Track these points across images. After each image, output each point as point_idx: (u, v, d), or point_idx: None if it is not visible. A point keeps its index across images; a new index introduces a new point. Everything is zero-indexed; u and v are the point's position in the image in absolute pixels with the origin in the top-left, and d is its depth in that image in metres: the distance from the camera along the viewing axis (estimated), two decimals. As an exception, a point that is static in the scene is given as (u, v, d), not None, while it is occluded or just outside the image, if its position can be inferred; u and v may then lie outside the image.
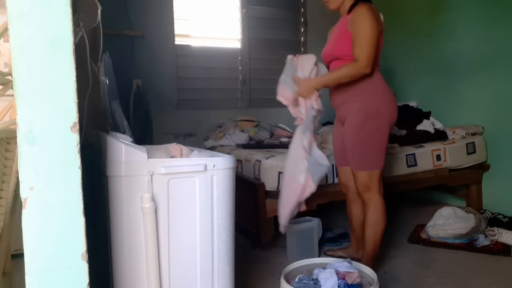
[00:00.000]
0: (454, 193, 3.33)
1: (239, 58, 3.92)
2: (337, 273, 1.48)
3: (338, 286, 1.42)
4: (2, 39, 1.65)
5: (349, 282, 1.46)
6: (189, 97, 3.74)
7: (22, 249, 0.88)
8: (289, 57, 2.04)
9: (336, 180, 2.58)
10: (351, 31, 1.85)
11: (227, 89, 3.95)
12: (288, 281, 1.46)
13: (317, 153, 1.92)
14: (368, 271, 1.57)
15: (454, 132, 3.12)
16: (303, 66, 1.95)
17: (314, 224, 2.27)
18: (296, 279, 1.49)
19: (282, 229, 2.05)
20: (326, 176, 2.54)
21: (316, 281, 1.47)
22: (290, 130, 3.32)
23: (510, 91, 2.95)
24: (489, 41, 3.09)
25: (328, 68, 2.04)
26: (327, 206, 2.71)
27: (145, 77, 3.42)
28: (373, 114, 1.88)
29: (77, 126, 0.91)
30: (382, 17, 1.90)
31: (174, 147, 1.52)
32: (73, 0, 0.91)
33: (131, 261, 1.32)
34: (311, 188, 1.91)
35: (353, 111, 1.92)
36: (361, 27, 1.80)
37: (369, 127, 1.89)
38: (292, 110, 1.98)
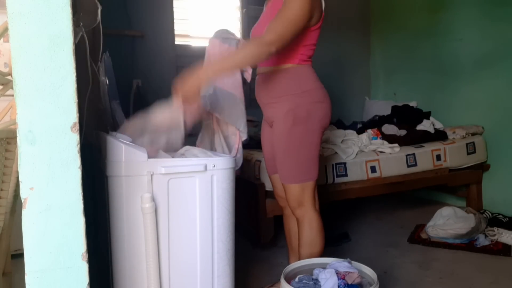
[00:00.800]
0: (454, 193, 3.33)
1: (239, 58, 3.92)
2: (337, 273, 1.48)
3: (338, 286, 1.42)
4: (2, 39, 1.65)
5: (349, 282, 1.46)
6: (189, 97, 3.73)
7: (22, 249, 0.88)
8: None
9: (336, 180, 2.58)
10: (279, 9, 1.50)
11: (227, 89, 3.94)
12: (288, 281, 1.46)
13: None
14: (368, 271, 1.57)
15: (454, 132, 3.13)
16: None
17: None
18: (296, 279, 1.49)
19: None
20: (326, 176, 2.55)
21: (316, 281, 1.47)
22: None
23: (510, 91, 2.95)
24: (489, 41, 3.09)
25: None
26: (327, 206, 2.71)
27: (145, 77, 3.42)
28: (303, 119, 1.58)
29: (77, 126, 0.91)
30: (323, 5, 1.64)
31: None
32: (73, 0, 0.91)
33: (131, 261, 1.32)
34: None
35: (281, 114, 1.61)
36: (289, 5, 1.45)
37: (299, 133, 1.59)
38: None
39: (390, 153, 2.79)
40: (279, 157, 1.65)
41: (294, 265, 1.62)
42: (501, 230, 2.49)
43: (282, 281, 1.44)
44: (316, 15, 1.56)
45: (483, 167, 3.15)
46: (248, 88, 3.98)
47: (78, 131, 0.91)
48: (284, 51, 1.54)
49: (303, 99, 1.59)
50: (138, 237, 1.31)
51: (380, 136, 2.89)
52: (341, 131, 2.87)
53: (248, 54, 1.47)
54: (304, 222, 1.68)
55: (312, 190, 1.67)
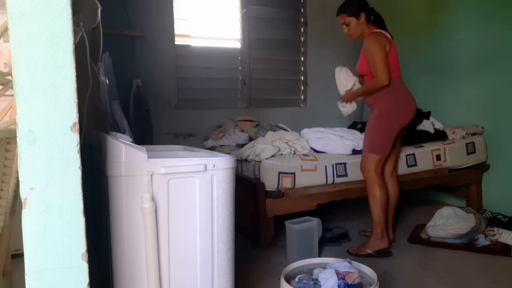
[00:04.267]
0: (454, 193, 3.33)
1: (239, 58, 3.92)
2: (337, 273, 1.48)
3: (338, 286, 1.42)
4: (2, 39, 1.65)
5: (349, 282, 1.46)
6: (189, 97, 3.74)
7: (22, 249, 0.88)
8: (337, 68, 2.67)
9: (336, 180, 2.58)
10: (365, 56, 2.38)
11: (227, 89, 3.95)
12: (288, 281, 1.46)
13: None
14: (368, 271, 1.57)
15: (454, 132, 3.12)
16: (345, 81, 2.59)
17: (314, 224, 2.27)
18: (296, 279, 1.49)
19: None
20: (326, 176, 2.55)
21: (316, 281, 1.47)
22: (290, 130, 3.32)
23: (510, 91, 2.96)
24: (488, 41, 3.09)
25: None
26: (327, 206, 2.71)
27: (145, 77, 3.42)
28: (385, 113, 2.33)
29: (77, 126, 0.91)
30: (388, 35, 2.40)
31: None
32: (73, 0, 0.91)
33: (131, 261, 1.32)
34: None
35: (375, 108, 2.39)
36: (369, 54, 2.32)
37: (379, 121, 2.35)
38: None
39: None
40: (365, 133, 2.46)
41: (294, 265, 1.62)
42: (501, 230, 2.49)
43: (282, 281, 1.44)
44: (387, 46, 2.35)
45: (483, 167, 3.15)
46: (249, 89, 3.99)
47: (78, 131, 0.91)
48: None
49: (387, 100, 2.35)
50: (138, 237, 1.31)
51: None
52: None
53: (371, 88, 2.37)
54: (367, 183, 2.39)
55: (377, 160, 2.37)
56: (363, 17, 2.36)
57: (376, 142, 2.35)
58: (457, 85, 3.35)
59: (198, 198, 1.39)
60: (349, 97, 2.54)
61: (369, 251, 2.32)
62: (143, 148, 1.33)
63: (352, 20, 2.35)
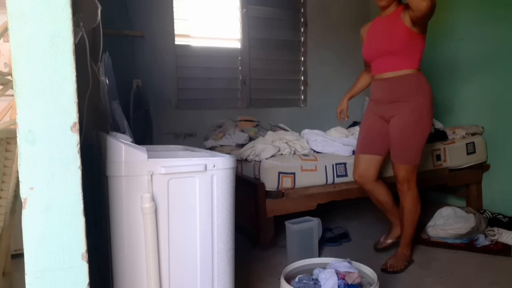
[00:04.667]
0: (454, 193, 3.33)
1: (239, 58, 3.92)
2: (337, 273, 1.48)
3: (338, 286, 1.42)
4: (2, 39, 1.65)
5: (349, 282, 1.46)
6: (189, 97, 3.74)
7: (22, 249, 0.88)
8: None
9: (336, 180, 2.58)
10: (407, 21, 1.98)
11: (227, 89, 3.95)
12: (288, 281, 1.46)
13: None
14: (368, 271, 1.57)
15: (454, 132, 3.12)
16: None
17: (314, 224, 2.27)
18: (296, 279, 1.49)
19: None
20: (326, 176, 2.55)
21: (316, 281, 1.47)
22: (290, 130, 3.32)
23: (510, 91, 2.95)
24: (489, 41, 3.09)
25: (369, 65, 2.24)
26: (327, 206, 2.71)
27: (145, 77, 3.42)
28: (426, 114, 2.04)
29: (77, 126, 0.91)
30: None
31: None
32: (73, 0, 0.91)
33: (131, 261, 1.32)
34: None
35: (408, 109, 2.03)
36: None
37: (421, 126, 2.05)
38: None
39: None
40: (401, 142, 2.08)
41: (294, 265, 1.62)
42: (501, 230, 2.49)
43: (282, 281, 1.44)
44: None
45: (483, 167, 3.15)
46: (249, 89, 3.99)
47: (78, 131, 0.91)
48: (406, 58, 2.06)
49: (425, 99, 2.04)
50: (138, 237, 1.31)
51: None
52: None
53: None
54: (409, 195, 2.16)
55: (416, 171, 2.15)
56: None
57: (420, 149, 2.09)
58: (457, 85, 3.35)
59: (198, 198, 1.39)
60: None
61: (406, 264, 2.18)
62: (143, 148, 1.33)
63: None
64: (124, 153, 1.28)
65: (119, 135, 1.53)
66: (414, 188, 2.16)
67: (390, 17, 2.10)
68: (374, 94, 2.20)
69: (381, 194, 2.30)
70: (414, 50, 2.07)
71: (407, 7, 1.93)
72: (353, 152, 2.70)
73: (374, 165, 2.23)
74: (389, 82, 2.09)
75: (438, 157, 2.97)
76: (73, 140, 0.91)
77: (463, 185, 3.19)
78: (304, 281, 1.48)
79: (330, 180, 2.56)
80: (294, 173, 2.44)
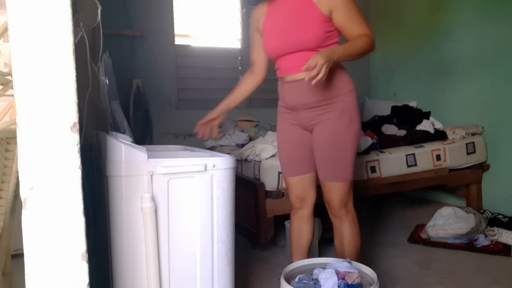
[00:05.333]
0: (454, 193, 3.33)
1: (239, 58, 3.92)
2: (337, 273, 1.48)
3: (338, 286, 1.42)
4: (2, 39, 1.65)
5: (349, 282, 1.46)
6: (189, 97, 3.74)
7: (22, 249, 0.88)
8: None
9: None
10: (325, 10, 1.52)
11: (227, 89, 3.91)
12: (288, 281, 1.46)
13: None
14: (368, 271, 1.57)
15: (454, 132, 3.13)
16: None
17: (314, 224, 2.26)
18: (296, 279, 1.49)
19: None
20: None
21: (316, 281, 1.47)
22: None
23: (510, 91, 2.95)
24: (488, 41, 3.09)
25: (262, 64, 1.82)
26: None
27: (145, 77, 3.42)
28: (356, 117, 1.64)
29: (77, 126, 0.91)
30: None
31: None
32: (73, 0, 0.91)
33: (131, 261, 1.32)
34: None
35: (334, 114, 1.61)
36: (353, 9, 1.55)
37: (354, 131, 1.64)
38: None
39: (390, 153, 2.79)
40: (333, 155, 1.65)
41: (294, 265, 1.62)
42: (501, 230, 2.49)
43: (282, 281, 1.44)
44: None
45: (483, 167, 3.15)
46: (248, 88, 3.98)
47: (78, 131, 0.91)
48: None
49: (352, 98, 1.64)
50: (138, 237, 1.31)
51: (375, 137, 2.87)
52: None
53: (365, 49, 1.57)
54: (348, 220, 1.74)
55: (352, 187, 1.74)
56: None
57: (354, 161, 1.67)
58: (457, 85, 3.35)
59: (198, 198, 1.39)
60: (327, 55, 1.40)
61: None
62: (143, 148, 1.33)
63: None
64: (124, 153, 1.28)
65: (119, 135, 1.53)
66: (353, 211, 1.75)
67: (296, 2, 1.59)
68: (287, 100, 1.69)
69: (311, 226, 1.87)
70: (333, 43, 1.61)
71: None
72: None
73: (311, 187, 1.80)
74: (306, 84, 1.49)
75: (438, 157, 2.97)
76: (73, 140, 0.91)
77: (463, 185, 3.19)
78: (304, 281, 1.47)
79: (330, 180, 2.56)
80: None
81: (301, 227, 1.87)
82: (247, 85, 1.93)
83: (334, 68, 1.56)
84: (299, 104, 1.66)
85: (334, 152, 1.64)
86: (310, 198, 1.82)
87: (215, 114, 1.93)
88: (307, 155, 1.75)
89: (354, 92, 1.66)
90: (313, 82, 1.37)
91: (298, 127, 1.74)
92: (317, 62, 1.35)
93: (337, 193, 1.69)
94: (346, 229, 1.75)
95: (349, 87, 1.64)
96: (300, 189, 1.80)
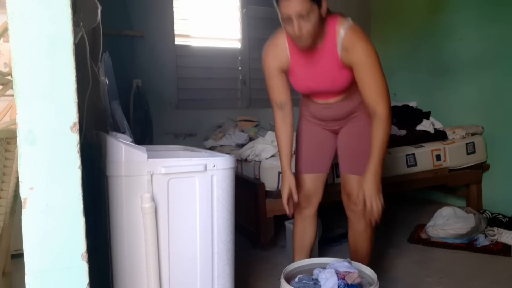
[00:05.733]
0: (454, 193, 3.33)
1: (239, 58, 3.92)
2: (337, 273, 1.48)
3: (338, 286, 1.42)
4: (2, 39, 1.65)
5: (349, 282, 1.46)
6: (189, 97, 3.74)
7: (22, 249, 0.88)
8: None
9: (336, 180, 2.58)
10: (347, 64, 1.53)
11: (227, 89, 3.95)
12: (288, 281, 1.46)
13: None
14: (368, 271, 1.57)
15: (454, 132, 3.13)
16: None
17: (314, 224, 2.27)
18: (296, 279, 1.49)
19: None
20: (333, 175, 2.55)
21: (316, 281, 1.47)
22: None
23: (510, 91, 2.95)
24: (488, 41, 3.09)
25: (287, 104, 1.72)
26: (327, 206, 2.71)
27: (145, 77, 3.42)
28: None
29: (77, 126, 0.91)
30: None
31: None
32: (73, 0, 0.91)
33: (131, 261, 1.32)
34: None
35: (362, 117, 1.71)
36: (373, 68, 1.49)
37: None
38: None
39: (390, 153, 2.79)
40: (358, 149, 1.70)
41: (294, 265, 1.62)
42: (501, 230, 2.49)
43: (282, 281, 1.44)
44: None
45: (483, 167, 3.15)
46: (249, 89, 3.99)
47: (78, 131, 0.91)
48: (350, 88, 1.64)
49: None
50: (138, 237, 1.31)
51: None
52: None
53: (386, 138, 1.53)
54: (365, 217, 1.72)
55: None
56: (325, 4, 1.46)
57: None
58: (457, 85, 3.35)
59: (198, 198, 1.39)
60: (376, 187, 1.52)
61: None
62: (143, 148, 1.33)
63: (314, 9, 1.41)
64: (124, 153, 1.28)
65: (119, 135, 1.53)
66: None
67: (323, 52, 1.57)
68: (317, 116, 1.78)
69: (313, 231, 1.90)
70: (354, 81, 1.61)
71: (343, 46, 1.52)
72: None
73: (321, 186, 1.86)
74: (337, 105, 1.70)
75: (438, 157, 2.97)
76: (73, 140, 0.91)
77: (463, 185, 3.19)
78: (304, 281, 1.47)
79: (330, 180, 2.56)
80: (294, 173, 2.44)
81: (305, 227, 1.90)
82: (289, 134, 1.76)
83: (354, 96, 1.66)
84: (330, 118, 1.76)
85: (360, 146, 1.68)
86: (317, 197, 1.86)
87: (291, 182, 1.73)
88: (328, 154, 1.83)
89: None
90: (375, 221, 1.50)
91: (321, 127, 1.82)
92: (372, 204, 1.49)
93: (357, 185, 1.70)
94: (362, 226, 1.80)
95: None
96: (312, 187, 1.84)
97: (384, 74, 1.54)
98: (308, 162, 1.85)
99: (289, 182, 1.71)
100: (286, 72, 1.67)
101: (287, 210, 1.75)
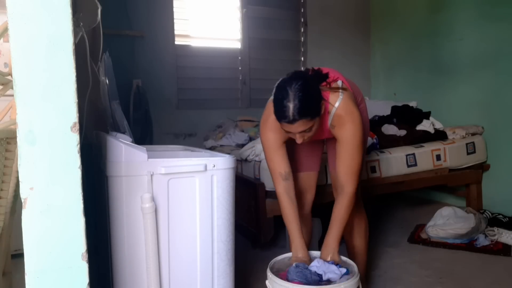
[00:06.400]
0: (454, 193, 3.33)
1: (239, 58, 3.92)
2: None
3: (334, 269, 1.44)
4: (2, 39, 1.65)
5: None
6: (189, 97, 3.74)
7: (22, 249, 0.88)
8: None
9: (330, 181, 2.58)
10: (335, 135, 1.58)
11: (227, 89, 3.95)
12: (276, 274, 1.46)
13: None
14: (350, 262, 1.57)
15: (454, 132, 3.13)
16: None
17: (314, 224, 2.27)
18: (294, 265, 1.50)
19: None
20: (326, 176, 2.55)
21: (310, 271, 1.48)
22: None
23: (510, 91, 2.95)
24: (489, 41, 3.09)
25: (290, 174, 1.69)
26: (327, 206, 2.71)
27: (145, 77, 3.42)
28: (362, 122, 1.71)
29: (77, 126, 0.91)
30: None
31: None
32: (73, 0, 0.91)
33: (131, 261, 1.32)
34: None
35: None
36: (354, 147, 1.55)
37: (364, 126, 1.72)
38: None
39: (390, 153, 2.79)
40: (353, 143, 1.66)
41: (280, 257, 1.65)
42: (501, 230, 2.49)
43: (270, 275, 1.44)
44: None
45: (483, 167, 3.15)
46: (249, 89, 3.99)
47: (78, 131, 0.91)
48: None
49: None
50: (138, 237, 1.31)
51: (375, 137, 2.87)
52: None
53: (347, 216, 1.60)
54: (358, 210, 1.84)
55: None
56: (323, 108, 1.49)
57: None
58: (457, 85, 3.35)
59: (198, 198, 1.39)
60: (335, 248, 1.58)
61: None
62: (143, 148, 1.33)
63: (316, 120, 1.45)
64: (124, 153, 1.28)
65: (119, 135, 1.53)
66: (362, 204, 1.88)
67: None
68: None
69: (308, 230, 1.96)
70: None
71: (333, 125, 1.57)
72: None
73: (314, 184, 1.92)
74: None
75: (438, 157, 2.97)
76: (73, 140, 0.91)
77: (463, 185, 3.19)
78: (301, 268, 1.48)
79: (330, 180, 2.56)
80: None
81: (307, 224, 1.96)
82: (295, 211, 1.69)
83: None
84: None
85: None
86: (311, 194, 1.93)
87: (306, 257, 1.63)
88: (317, 154, 1.90)
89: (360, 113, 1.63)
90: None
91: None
92: (333, 259, 1.55)
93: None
94: (356, 221, 1.85)
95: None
96: (305, 184, 1.90)
97: (363, 152, 1.61)
98: (300, 162, 1.88)
99: (297, 253, 1.63)
100: (285, 142, 1.65)
101: None
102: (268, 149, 1.65)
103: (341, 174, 1.59)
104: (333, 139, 1.77)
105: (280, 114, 1.41)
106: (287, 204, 1.65)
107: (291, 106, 1.37)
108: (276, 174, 1.66)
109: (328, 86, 1.54)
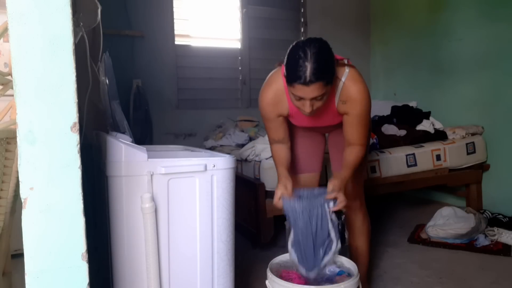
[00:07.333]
0: (454, 193, 3.33)
1: (239, 58, 3.92)
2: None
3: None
4: (2, 39, 1.65)
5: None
6: (189, 97, 3.74)
7: (22, 249, 0.88)
8: None
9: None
10: (342, 112, 1.55)
11: (227, 89, 3.95)
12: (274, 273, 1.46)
13: None
14: (350, 265, 1.55)
15: (454, 132, 3.13)
16: None
17: (314, 224, 2.27)
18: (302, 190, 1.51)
19: None
20: (326, 176, 2.55)
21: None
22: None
23: (510, 91, 2.95)
24: (489, 41, 3.09)
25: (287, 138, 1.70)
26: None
27: (145, 77, 3.42)
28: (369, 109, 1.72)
29: (77, 126, 0.91)
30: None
31: None
32: (73, 0, 0.91)
33: (131, 261, 1.32)
34: None
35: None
36: (363, 121, 1.55)
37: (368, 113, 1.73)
38: None
39: (390, 153, 2.79)
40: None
41: (278, 258, 1.65)
42: (501, 230, 2.49)
43: (268, 272, 1.44)
44: None
45: (483, 167, 3.15)
46: (249, 89, 3.99)
47: (78, 131, 0.91)
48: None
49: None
50: (138, 237, 1.31)
51: (375, 137, 2.87)
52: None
53: (358, 160, 1.58)
54: (361, 213, 1.84)
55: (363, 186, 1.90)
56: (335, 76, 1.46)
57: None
58: (457, 85, 3.35)
59: (198, 198, 1.39)
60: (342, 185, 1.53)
61: None
62: (143, 148, 1.33)
63: (328, 88, 1.40)
64: (124, 153, 1.28)
65: (119, 135, 1.53)
66: (365, 206, 1.86)
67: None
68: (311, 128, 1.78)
69: None
70: None
71: (341, 99, 1.54)
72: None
73: (316, 185, 1.87)
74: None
75: (438, 157, 2.97)
76: (73, 140, 0.91)
77: (463, 185, 3.19)
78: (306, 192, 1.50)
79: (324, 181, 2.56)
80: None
81: None
82: (288, 154, 1.69)
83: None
84: (322, 131, 1.82)
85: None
86: None
87: (288, 184, 1.55)
88: (319, 154, 1.89)
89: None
90: (334, 209, 1.47)
91: (312, 131, 1.82)
92: (336, 196, 1.47)
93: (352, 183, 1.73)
94: (359, 220, 1.84)
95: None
96: (307, 186, 1.84)
97: (369, 122, 1.61)
98: (301, 162, 1.87)
99: (285, 183, 1.53)
100: (285, 116, 1.64)
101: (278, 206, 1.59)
102: (265, 119, 1.66)
103: (348, 136, 1.58)
104: (334, 135, 1.80)
105: (295, 75, 1.32)
106: (280, 152, 1.65)
107: (308, 66, 1.29)
108: (271, 141, 1.69)
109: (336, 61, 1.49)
